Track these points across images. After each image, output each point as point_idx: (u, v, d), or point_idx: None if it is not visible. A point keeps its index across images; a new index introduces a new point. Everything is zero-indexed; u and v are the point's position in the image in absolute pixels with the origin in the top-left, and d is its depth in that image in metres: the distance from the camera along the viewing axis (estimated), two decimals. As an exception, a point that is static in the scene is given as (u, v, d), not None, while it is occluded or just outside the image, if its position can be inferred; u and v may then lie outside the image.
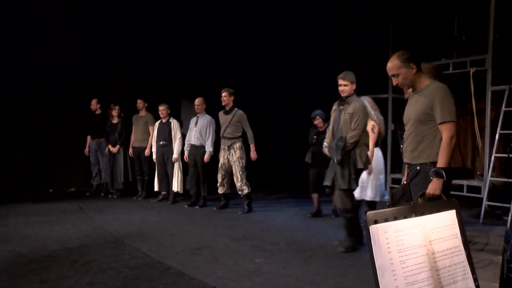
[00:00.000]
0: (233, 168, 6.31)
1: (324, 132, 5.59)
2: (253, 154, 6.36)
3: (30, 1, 7.17)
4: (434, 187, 2.61)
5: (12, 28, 7.25)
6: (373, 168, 5.25)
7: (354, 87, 4.38)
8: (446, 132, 2.72)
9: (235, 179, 6.35)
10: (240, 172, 6.26)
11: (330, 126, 4.62)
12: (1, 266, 3.80)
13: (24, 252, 4.21)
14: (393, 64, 2.87)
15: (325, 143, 4.74)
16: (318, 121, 6.04)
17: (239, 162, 6.26)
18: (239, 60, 8.51)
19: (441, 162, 2.68)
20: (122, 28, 7.95)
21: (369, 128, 4.80)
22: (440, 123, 2.74)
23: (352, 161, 4.33)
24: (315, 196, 6.15)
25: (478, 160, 6.75)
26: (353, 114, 4.32)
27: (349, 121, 4.33)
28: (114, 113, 7.57)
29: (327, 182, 4.49)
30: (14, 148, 7.42)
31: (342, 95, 4.41)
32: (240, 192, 6.40)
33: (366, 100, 4.93)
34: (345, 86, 4.35)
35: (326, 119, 5.79)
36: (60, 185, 8.12)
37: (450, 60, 6.45)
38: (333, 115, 4.60)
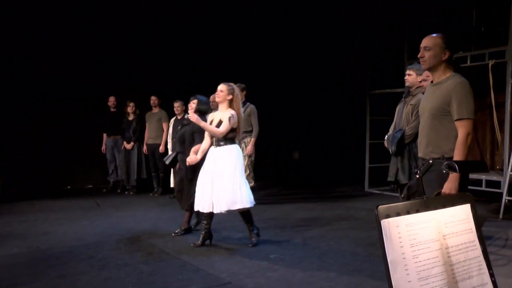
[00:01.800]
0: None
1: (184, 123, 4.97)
2: (250, 148, 6.30)
3: (38, 2, 7.25)
4: (450, 186, 2.54)
5: (27, 29, 7.39)
6: (239, 168, 4.39)
7: (419, 78, 4.20)
8: (462, 129, 2.63)
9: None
10: (249, 166, 6.37)
11: (395, 119, 4.47)
12: (21, 261, 3.89)
13: (43, 248, 4.31)
14: (433, 39, 2.80)
15: (386, 136, 4.45)
16: (191, 106, 4.83)
17: (250, 156, 6.38)
18: (253, 56, 8.50)
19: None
20: (136, 25, 8.00)
21: (227, 117, 4.26)
22: (457, 120, 2.66)
23: (412, 154, 4.16)
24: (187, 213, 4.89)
25: (498, 154, 6.60)
26: (414, 106, 4.16)
27: (410, 113, 4.21)
28: (129, 109, 7.64)
29: (390, 178, 4.31)
30: (33, 146, 7.56)
31: (406, 84, 4.38)
32: None
33: (239, 88, 4.65)
34: (409, 75, 4.27)
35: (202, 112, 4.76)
36: (78, 182, 8.25)
37: (468, 53, 6.29)
38: (398, 107, 4.47)
